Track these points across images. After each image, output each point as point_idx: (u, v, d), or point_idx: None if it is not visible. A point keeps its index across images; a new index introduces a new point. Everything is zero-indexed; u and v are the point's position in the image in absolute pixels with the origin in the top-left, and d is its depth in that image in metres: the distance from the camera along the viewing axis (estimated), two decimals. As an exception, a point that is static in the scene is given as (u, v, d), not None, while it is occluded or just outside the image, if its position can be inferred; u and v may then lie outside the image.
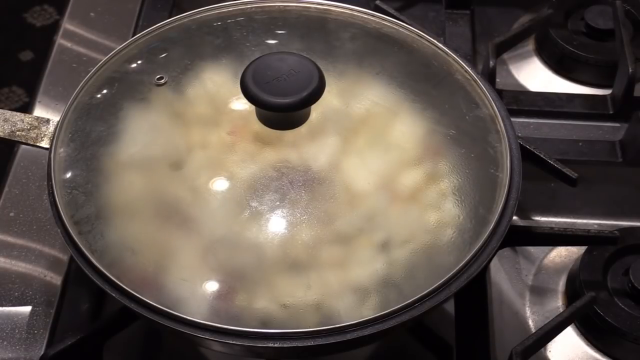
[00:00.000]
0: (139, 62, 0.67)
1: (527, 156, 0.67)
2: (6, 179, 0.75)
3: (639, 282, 0.67)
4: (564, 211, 0.78)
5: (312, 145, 0.60)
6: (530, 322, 0.71)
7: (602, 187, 0.77)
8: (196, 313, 0.54)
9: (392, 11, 0.79)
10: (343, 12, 0.68)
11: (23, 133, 0.64)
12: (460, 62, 0.65)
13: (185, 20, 0.68)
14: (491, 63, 0.79)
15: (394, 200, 0.58)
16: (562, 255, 0.74)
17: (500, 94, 0.80)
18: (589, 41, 0.86)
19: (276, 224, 0.57)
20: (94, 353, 0.65)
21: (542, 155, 0.69)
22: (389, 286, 0.56)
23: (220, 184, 0.59)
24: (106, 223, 0.58)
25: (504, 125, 0.62)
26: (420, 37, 0.67)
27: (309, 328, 0.53)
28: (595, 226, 0.77)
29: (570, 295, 0.71)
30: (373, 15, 0.68)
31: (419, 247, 0.57)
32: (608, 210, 0.77)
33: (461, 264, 0.55)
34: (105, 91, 0.65)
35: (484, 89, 0.64)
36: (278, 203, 0.57)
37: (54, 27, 0.91)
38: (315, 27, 0.68)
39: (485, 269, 0.66)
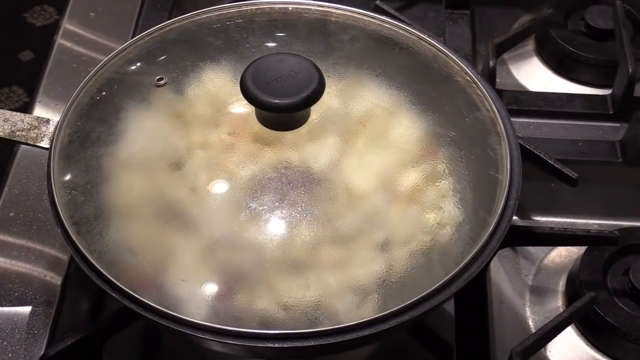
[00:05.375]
0: (139, 63, 0.67)
1: (527, 156, 0.67)
2: (6, 179, 0.75)
3: (639, 282, 0.67)
4: (564, 211, 0.78)
5: (312, 146, 0.60)
6: (530, 322, 0.71)
7: (602, 187, 0.77)
8: (196, 313, 0.54)
9: (392, 11, 0.79)
10: (343, 14, 0.68)
11: (23, 133, 0.64)
12: (460, 63, 0.65)
13: (185, 21, 0.68)
14: (491, 63, 0.79)
15: (394, 201, 0.58)
16: (562, 255, 0.74)
17: (500, 94, 0.80)
18: (589, 41, 0.86)
19: (276, 224, 0.57)
20: (94, 353, 0.65)
21: (542, 155, 0.69)
22: (388, 286, 0.56)
23: (219, 185, 0.59)
24: (106, 223, 0.58)
25: (504, 125, 0.62)
26: (420, 38, 0.67)
27: (309, 328, 0.53)
28: (595, 226, 0.77)
29: (570, 295, 0.71)
30: (373, 17, 0.68)
31: (418, 247, 0.57)
32: (608, 210, 0.77)
33: (461, 264, 0.55)
34: (105, 92, 0.65)
35: (484, 89, 0.64)
36: (278, 204, 0.57)
37: (54, 27, 0.91)
38: (315, 28, 0.68)
39: (485, 269, 0.66)
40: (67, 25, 0.88)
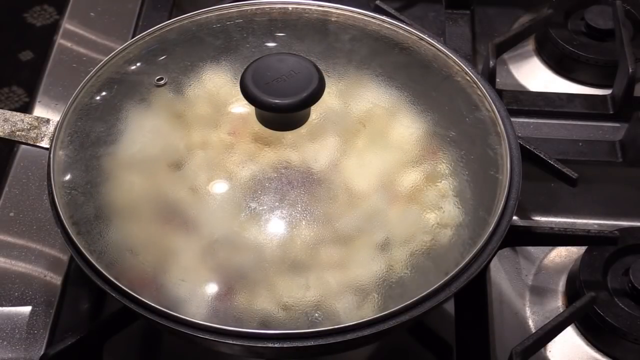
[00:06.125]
0: (139, 63, 0.67)
1: (527, 156, 0.67)
2: (6, 179, 0.75)
3: (639, 282, 0.67)
4: (564, 211, 0.78)
5: (312, 146, 0.60)
6: (530, 322, 0.71)
7: (602, 187, 0.77)
8: (196, 313, 0.54)
9: (392, 11, 0.79)
10: (343, 14, 0.68)
11: (23, 133, 0.64)
12: (460, 63, 0.65)
13: (185, 21, 0.68)
14: (491, 63, 0.79)
15: (394, 201, 0.58)
16: (562, 255, 0.74)
17: (500, 94, 0.80)
18: (589, 41, 0.86)
19: (276, 224, 0.57)
20: (94, 353, 0.65)
21: (542, 155, 0.69)
22: (388, 286, 0.56)
23: (219, 185, 0.59)
24: (105, 223, 0.58)
25: (504, 125, 0.62)
26: (420, 38, 0.67)
27: (309, 328, 0.53)
28: (595, 226, 0.77)
29: (570, 295, 0.71)
30: (373, 17, 0.68)
31: (418, 247, 0.57)
32: (608, 210, 0.77)
33: (461, 264, 0.55)
34: (105, 92, 0.65)
35: (484, 89, 0.64)
36: (277, 204, 0.57)
37: (54, 27, 0.91)
38: (315, 28, 0.68)
39: (485, 269, 0.66)
40: (67, 25, 0.88)
